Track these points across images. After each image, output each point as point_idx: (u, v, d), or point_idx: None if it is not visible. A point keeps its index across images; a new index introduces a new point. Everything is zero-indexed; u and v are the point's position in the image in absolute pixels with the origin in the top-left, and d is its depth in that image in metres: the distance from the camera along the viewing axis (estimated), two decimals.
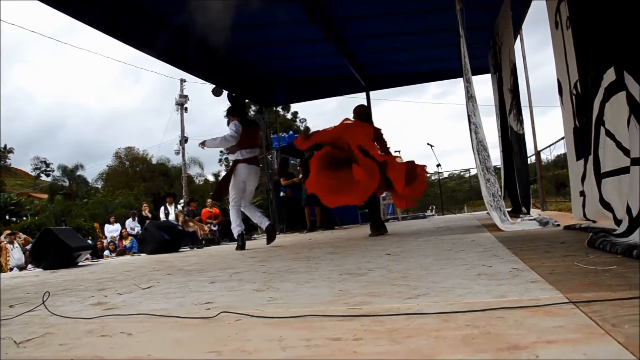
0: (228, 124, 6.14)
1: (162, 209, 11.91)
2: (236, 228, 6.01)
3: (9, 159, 60.08)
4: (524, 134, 6.91)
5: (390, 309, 1.50)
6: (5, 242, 10.90)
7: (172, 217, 11.28)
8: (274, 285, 2.31)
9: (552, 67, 4.66)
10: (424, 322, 1.31)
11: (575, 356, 0.96)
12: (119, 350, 1.35)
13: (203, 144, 6.09)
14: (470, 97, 5.67)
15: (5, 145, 59.79)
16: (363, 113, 6.18)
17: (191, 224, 10.32)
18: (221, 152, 43.02)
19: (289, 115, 41.57)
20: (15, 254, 10.82)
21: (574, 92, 4.15)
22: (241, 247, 5.88)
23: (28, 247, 10.52)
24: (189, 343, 1.36)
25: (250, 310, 1.64)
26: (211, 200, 12.14)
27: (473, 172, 20.28)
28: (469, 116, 5.74)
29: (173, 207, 11.86)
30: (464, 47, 5.67)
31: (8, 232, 11.97)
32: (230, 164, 6.22)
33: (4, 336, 1.64)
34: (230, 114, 6.18)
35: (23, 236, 11.97)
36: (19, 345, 1.51)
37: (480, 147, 5.53)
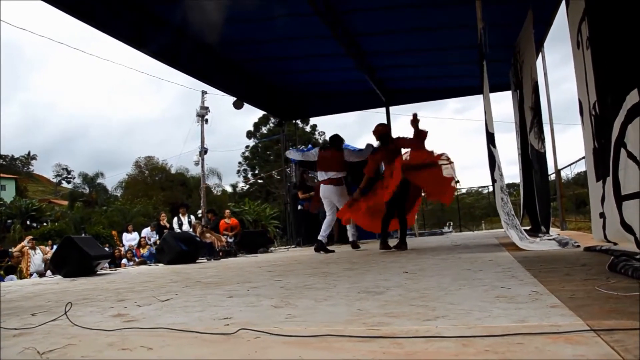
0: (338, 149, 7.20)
1: (175, 219, 11.97)
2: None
3: (32, 166, 61.35)
4: (545, 152, 6.84)
5: (409, 330, 1.50)
6: (27, 247, 11.09)
7: (185, 227, 11.35)
8: (292, 301, 2.32)
9: (574, 84, 4.64)
10: (443, 345, 1.31)
11: None
12: None
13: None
14: (488, 114, 5.64)
15: (29, 152, 61.08)
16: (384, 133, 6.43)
17: (208, 235, 10.36)
18: (239, 163, 43.39)
19: (307, 128, 41.75)
20: (36, 260, 11.00)
21: (593, 112, 4.11)
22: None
23: (47, 255, 10.70)
24: None
25: (269, 328, 1.64)
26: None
27: (492, 188, 20.10)
28: (488, 134, 5.70)
29: (186, 217, 11.94)
30: (485, 66, 5.66)
31: (30, 237, 12.20)
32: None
33: (28, 345, 1.68)
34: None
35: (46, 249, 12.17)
36: (42, 355, 1.54)
37: (494, 166, 5.51)
